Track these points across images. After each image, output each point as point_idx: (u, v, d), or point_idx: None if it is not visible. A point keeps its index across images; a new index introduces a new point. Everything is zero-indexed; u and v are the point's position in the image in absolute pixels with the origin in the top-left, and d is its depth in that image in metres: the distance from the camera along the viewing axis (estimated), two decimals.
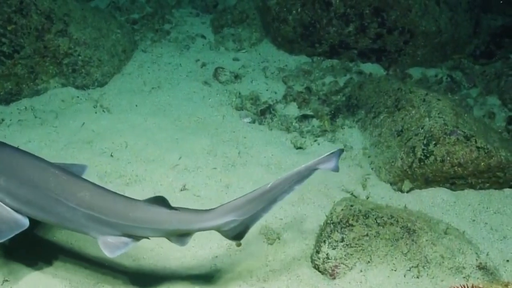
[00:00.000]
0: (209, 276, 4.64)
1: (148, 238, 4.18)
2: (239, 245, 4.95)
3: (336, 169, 4.21)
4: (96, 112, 6.62)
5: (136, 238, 4.15)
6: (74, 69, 6.86)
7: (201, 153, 6.06)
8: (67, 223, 4.09)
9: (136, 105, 6.82)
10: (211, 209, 4.12)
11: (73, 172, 4.20)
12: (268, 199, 4.12)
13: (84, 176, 4.30)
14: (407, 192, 5.65)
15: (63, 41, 6.75)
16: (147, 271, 4.66)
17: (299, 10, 7.89)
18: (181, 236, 4.16)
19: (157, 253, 4.78)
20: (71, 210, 3.98)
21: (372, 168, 5.99)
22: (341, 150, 4.27)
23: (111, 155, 5.89)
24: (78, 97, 6.86)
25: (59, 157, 5.68)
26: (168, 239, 4.19)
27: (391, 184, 5.76)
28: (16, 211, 4.10)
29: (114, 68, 7.28)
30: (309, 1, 7.82)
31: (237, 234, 4.22)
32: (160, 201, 4.05)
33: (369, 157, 6.12)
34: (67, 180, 4.05)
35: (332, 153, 4.16)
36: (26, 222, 4.11)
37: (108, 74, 7.17)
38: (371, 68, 7.84)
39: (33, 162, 4.12)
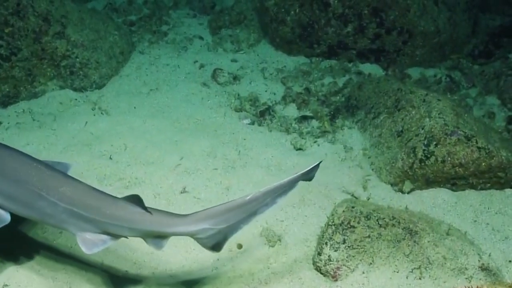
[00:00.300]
0: (210, 280, 4.61)
1: (126, 237, 4.14)
2: (240, 247, 4.94)
3: (311, 179, 4.19)
4: (94, 115, 6.58)
5: (115, 236, 4.11)
6: (72, 71, 6.84)
7: (201, 155, 6.04)
8: (48, 218, 4.09)
9: (135, 107, 6.79)
10: (187, 214, 4.05)
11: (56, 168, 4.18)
12: (247, 210, 4.01)
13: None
14: (408, 193, 5.63)
15: (61, 43, 6.73)
16: (148, 275, 4.63)
17: (297, 10, 7.86)
18: (157, 238, 4.09)
19: (157, 256, 4.74)
20: (52, 205, 3.98)
21: (372, 169, 5.97)
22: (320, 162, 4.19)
23: (110, 158, 5.86)
24: (76, 99, 6.83)
25: (58, 159, 5.65)
26: (144, 240, 4.13)
27: (391, 185, 5.74)
28: None
29: (112, 70, 7.25)
30: (307, 2, 7.79)
31: (214, 244, 4.10)
32: (136, 200, 3.97)
33: (369, 157, 6.10)
34: (50, 175, 4.05)
35: (314, 166, 4.10)
36: (7, 218, 4.12)
37: (106, 76, 7.15)
38: (370, 68, 7.83)
39: (16, 156, 4.11)
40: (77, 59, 6.83)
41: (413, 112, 5.93)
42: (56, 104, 6.69)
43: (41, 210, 4.02)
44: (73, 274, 4.51)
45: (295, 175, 4.05)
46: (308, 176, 4.13)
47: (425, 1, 7.66)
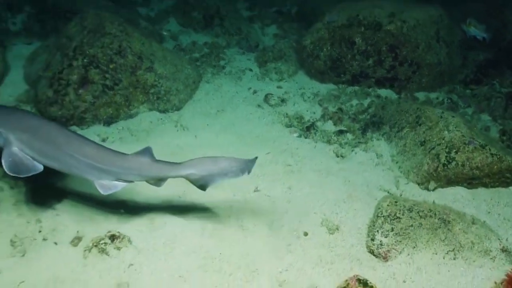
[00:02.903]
0: (286, 263, 4.47)
1: (133, 182, 4.34)
2: (306, 234, 4.80)
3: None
4: (177, 131, 6.48)
5: (124, 181, 4.31)
6: (158, 97, 6.74)
7: (264, 161, 5.90)
8: (73, 170, 4.28)
9: (207, 124, 6.68)
10: (180, 163, 4.33)
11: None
12: (221, 169, 4.31)
13: None
14: (433, 190, 5.47)
15: (150, 76, 6.65)
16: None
17: (328, 48, 7.76)
18: (158, 181, 4.38)
19: (241, 245, 4.61)
20: (77, 160, 4.18)
21: (401, 172, 5.81)
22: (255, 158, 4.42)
23: None
24: (161, 119, 6.72)
25: None
26: (148, 182, 4.39)
27: (418, 184, 5.57)
28: (33, 158, 4.27)
29: (187, 96, 7.15)
30: (337, 41, 7.69)
31: (200, 185, 4.35)
32: (147, 152, 4.31)
33: (397, 163, 5.95)
34: (75, 138, 4.27)
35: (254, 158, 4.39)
36: (40, 167, 4.28)
37: (183, 100, 7.05)
38: (385, 92, 7.70)
39: (51, 125, 4.33)
40: (162, 88, 6.75)
41: (432, 127, 5.79)
42: (147, 123, 6.59)
43: (68, 164, 4.23)
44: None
45: (246, 160, 4.37)
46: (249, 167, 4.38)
47: (430, 40, 7.54)
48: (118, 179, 4.29)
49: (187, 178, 4.33)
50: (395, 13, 7.49)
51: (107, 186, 4.27)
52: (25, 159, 4.25)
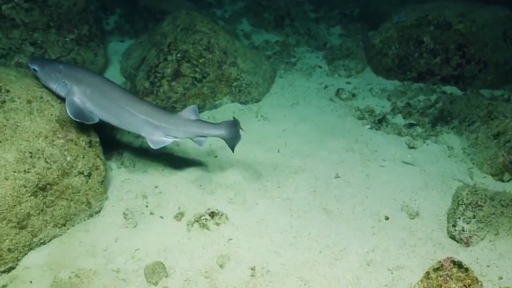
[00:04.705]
0: (371, 243, 4.38)
1: (177, 139, 4.43)
2: (387, 218, 4.69)
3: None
4: (258, 120, 6.45)
5: (171, 137, 4.38)
6: (240, 90, 6.74)
7: (341, 150, 5.81)
8: (128, 125, 4.37)
9: (285, 115, 6.61)
10: (217, 123, 4.51)
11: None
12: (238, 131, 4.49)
13: None
14: (507, 181, 5.22)
15: (234, 70, 6.64)
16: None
17: (397, 46, 7.53)
18: (199, 137, 4.48)
19: (319, 213, 4.54)
20: (132, 116, 4.27)
21: (473, 163, 5.57)
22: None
23: (278, 151, 5.71)
24: (243, 109, 6.71)
25: (239, 152, 5.50)
26: (192, 140, 4.49)
27: (492, 175, 5.32)
28: (92, 112, 4.30)
29: (265, 89, 7.12)
30: (405, 40, 7.45)
31: (232, 146, 4.57)
32: (191, 111, 4.42)
33: (468, 155, 5.71)
34: (132, 97, 4.37)
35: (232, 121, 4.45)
36: (96, 119, 4.30)
37: (262, 93, 7.01)
38: (450, 89, 7.37)
39: (112, 84, 4.37)
40: (244, 81, 6.73)
41: (506, 121, 5.51)
42: (230, 113, 6.58)
43: (124, 119, 4.32)
44: None
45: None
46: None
47: (498, 40, 7.18)
48: (167, 135, 4.37)
49: (220, 137, 4.51)
50: (465, 13, 7.17)
51: (156, 141, 4.36)
52: (84, 110, 4.25)
